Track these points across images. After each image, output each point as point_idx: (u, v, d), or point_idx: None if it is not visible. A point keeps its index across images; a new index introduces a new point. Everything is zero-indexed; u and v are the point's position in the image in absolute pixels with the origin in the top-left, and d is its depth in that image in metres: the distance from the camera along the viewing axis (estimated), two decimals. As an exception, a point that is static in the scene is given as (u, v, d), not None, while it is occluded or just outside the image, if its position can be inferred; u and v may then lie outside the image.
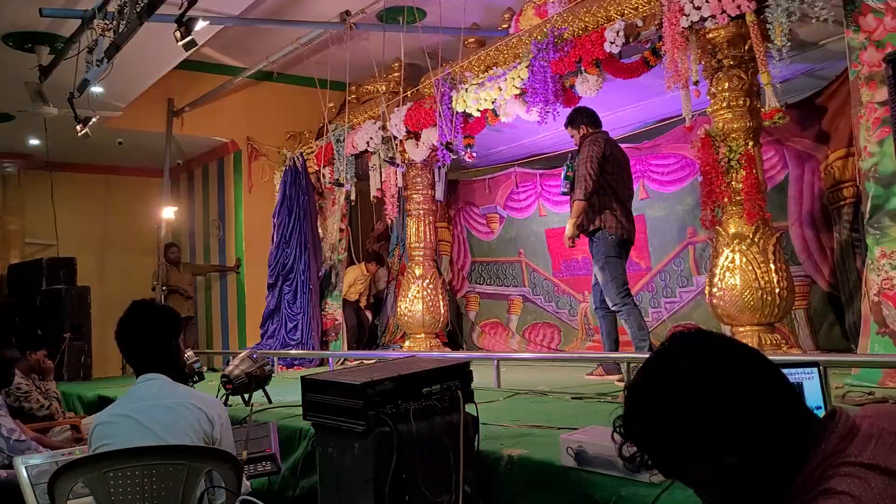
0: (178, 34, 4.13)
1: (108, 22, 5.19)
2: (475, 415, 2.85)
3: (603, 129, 5.64)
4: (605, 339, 5.58)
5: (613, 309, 5.34)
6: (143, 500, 2.20)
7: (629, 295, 5.32)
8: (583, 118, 5.62)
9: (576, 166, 5.43)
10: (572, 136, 5.71)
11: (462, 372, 2.82)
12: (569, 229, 5.38)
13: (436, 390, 2.71)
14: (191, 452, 2.31)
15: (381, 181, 8.19)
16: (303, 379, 2.79)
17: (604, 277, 5.38)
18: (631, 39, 5.58)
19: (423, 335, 7.97)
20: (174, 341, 2.68)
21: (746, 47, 5.03)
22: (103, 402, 6.39)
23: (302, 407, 2.82)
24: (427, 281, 7.97)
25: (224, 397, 4.96)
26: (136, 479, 2.20)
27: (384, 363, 3.02)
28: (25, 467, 3.11)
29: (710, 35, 5.12)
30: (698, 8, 5.02)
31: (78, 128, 6.51)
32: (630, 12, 5.66)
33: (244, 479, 2.64)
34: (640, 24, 5.54)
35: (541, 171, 8.53)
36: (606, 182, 5.32)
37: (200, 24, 4.19)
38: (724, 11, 4.91)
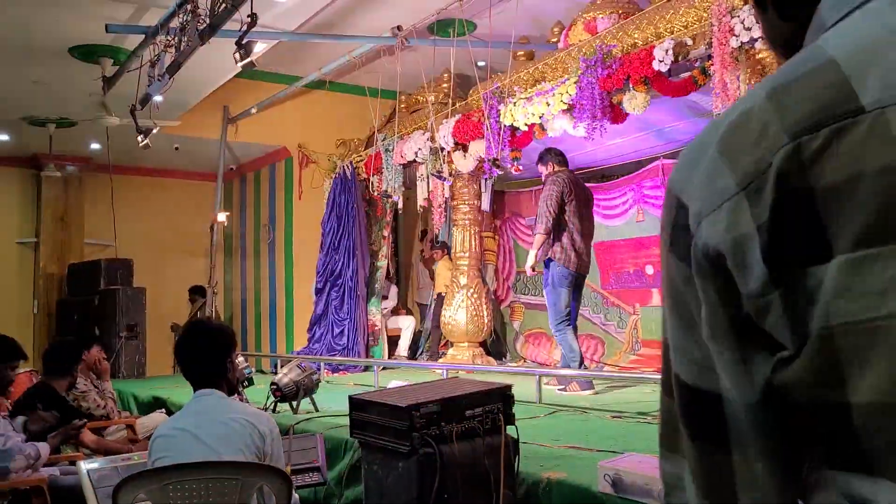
0: (237, 56, 4.31)
1: (170, 38, 5.39)
2: (516, 437, 2.93)
3: (568, 167, 6.13)
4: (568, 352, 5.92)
5: (553, 331, 6.02)
6: (201, 512, 2.33)
7: (564, 322, 5.85)
8: (550, 157, 6.12)
9: (539, 201, 6.00)
10: (541, 172, 6.20)
11: (504, 395, 2.91)
12: (530, 259, 5.98)
13: (478, 413, 2.80)
14: (245, 468, 2.44)
15: (428, 191, 8.30)
16: (351, 398, 2.91)
17: (548, 301, 6.00)
18: (680, 58, 5.58)
19: (466, 343, 8.05)
20: (229, 359, 2.82)
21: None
22: (157, 403, 6.62)
23: (349, 424, 2.93)
24: (472, 290, 8.06)
25: (273, 404, 5.13)
26: (194, 493, 2.34)
27: (429, 384, 3.12)
28: (88, 470, 3.28)
29: (761, 56, 5.12)
30: (748, 29, 5.02)
31: (139, 138, 6.76)
32: (680, 30, 5.68)
33: (294, 493, 2.77)
34: (689, 42, 5.55)
35: (589, 185, 8.54)
36: (565, 218, 5.84)
37: (259, 47, 4.36)
38: (774, 33, 4.92)
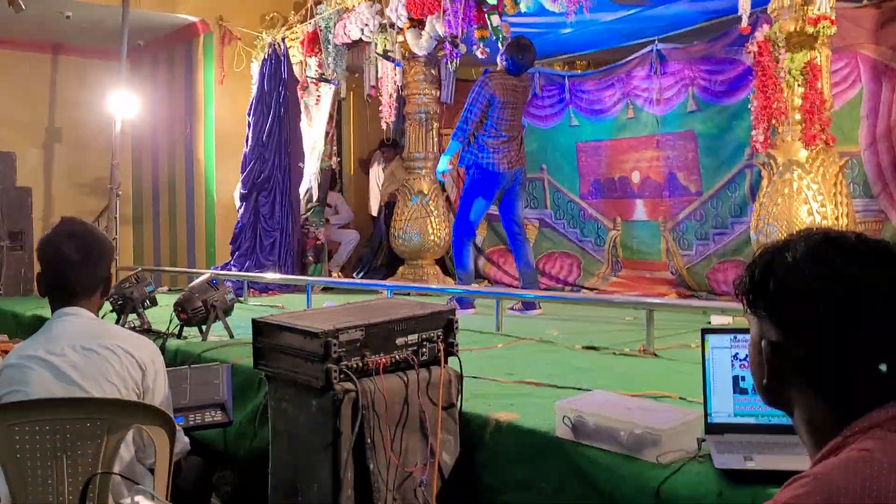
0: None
1: None
2: (459, 371, 2.81)
3: (518, 70, 6.26)
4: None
5: (453, 240, 6.55)
6: (56, 459, 2.18)
7: (468, 235, 6.36)
8: (508, 51, 6.20)
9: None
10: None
11: (446, 320, 2.77)
12: (442, 164, 6.49)
13: (412, 342, 2.67)
14: (112, 405, 2.28)
15: (376, 77, 8.02)
16: (254, 322, 2.75)
17: (460, 207, 6.41)
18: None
19: (419, 261, 7.94)
20: (109, 271, 2.65)
21: (821, -69, 4.82)
22: (42, 324, 6.42)
23: (252, 353, 2.78)
24: (428, 199, 7.89)
25: (178, 328, 4.97)
26: (48, 436, 2.17)
27: (354, 306, 2.97)
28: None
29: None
30: None
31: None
32: None
33: (182, 436, 2.63)
34: None
35: (569, 74, 8.32)
36: (492, 121, 6.14)
37: None
38: None
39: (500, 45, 6.45)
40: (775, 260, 1.32)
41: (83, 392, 2.36)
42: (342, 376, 2.51)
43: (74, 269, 2.56)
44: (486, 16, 6.49)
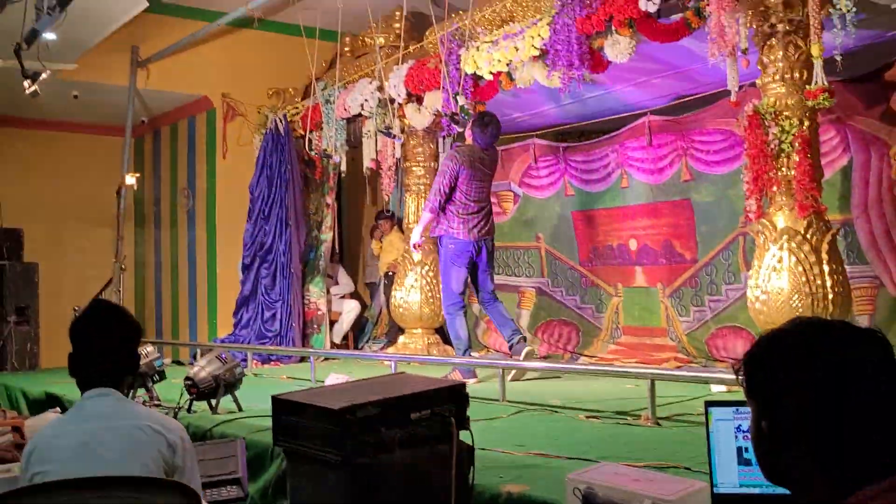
0: (26, 84, 4.03)
1: (61, -38, 5.20)
2: (470, 444, 2.89)
3: (484, 144, 6.46)
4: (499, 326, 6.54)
5: (444, 313, 6.67)
6: (87, 537, 2.25)
7: (455, 306, 6.45)
8: (473, 126, 6.48)
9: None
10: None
11: (457, 394, 2.86)
12: (415, 236, 6.74)
13: (425, 416, 2.75)
14: (143, 485, 2.36)
15: (376, 151, 8.19)
16: (274, 399, 2.84)
17: (442, 281, 6.62)
18: (671, -4, 5.56)
19: (420, 330, 8.02)
20: (137, 352, 2.74)
21: (805, 11, 5.01)
22: (51, 401, 6.47)
23: (272, 429, 2.87)
24: (427, 268, 8.01)
25: (188, 402, 5.03)
26: (80, 514, 2.24)
27: (368, 382, 3.07)
28: (-44, 485, 3.17)
29: (765, -4, 5.10)
30: (751, -36, 5.00)
31: (26, 84, 6.54)
32: (671, -36, 5.64)
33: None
34: (682, -22, 5.51)
35: (565, 145, 8.50)
36: (461, 193, 6.34)
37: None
38: (780, -31, 4.90)
39: (465, 120, 6.75)
40: (770, 345, 1.43)
41: (114, 471, 2.43)
42: (359, 451, 2.59)
43: (106, 351, 2.64)
44: (453, 97, 6.79)
